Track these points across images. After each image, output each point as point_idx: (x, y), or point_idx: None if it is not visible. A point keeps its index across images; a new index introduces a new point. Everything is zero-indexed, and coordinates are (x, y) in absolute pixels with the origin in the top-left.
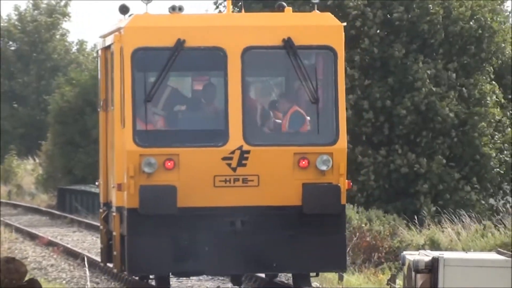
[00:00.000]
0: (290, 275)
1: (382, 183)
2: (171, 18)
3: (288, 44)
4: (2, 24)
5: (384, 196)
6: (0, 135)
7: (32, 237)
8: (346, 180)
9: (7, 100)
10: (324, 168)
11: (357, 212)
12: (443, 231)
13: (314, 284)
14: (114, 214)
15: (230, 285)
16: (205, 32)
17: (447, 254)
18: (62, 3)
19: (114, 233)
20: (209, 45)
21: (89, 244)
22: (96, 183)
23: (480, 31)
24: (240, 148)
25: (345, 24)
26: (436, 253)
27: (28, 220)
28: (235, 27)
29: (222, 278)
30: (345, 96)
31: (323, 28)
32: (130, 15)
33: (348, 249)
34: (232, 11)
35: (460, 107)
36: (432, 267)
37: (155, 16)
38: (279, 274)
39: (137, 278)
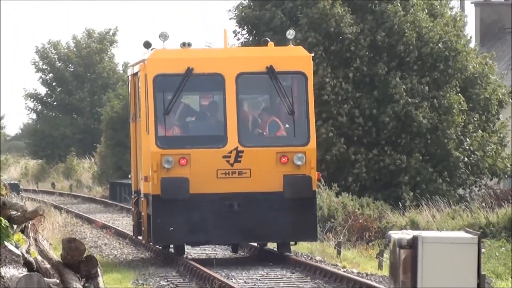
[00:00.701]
0: (275, 244)
1: (372, 175)
2: (182, 52)
3: (270, 70)
4: (62, 51)
5: (374, 186)
6: (63, 140)
7: (90, 221)
8: (316, 172)
9: (68, 112)
10: (299, 163)
11: (352, 200)
12: (421, 214)
13: (317, 257)
14: (142, 199)
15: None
16: (208, 62)
17: (425, 233)
18: (111, 32)
19: (142, 214)
20: (211, 71)
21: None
22: (129, 176)
23: (447, 52)
24: (236, 148)
25: (313, 54)
26: (416, 232)
27: (86, 208)
28: (231, 58)
29: (225, 247)
30: (341, 105)
31: (296, 58)
32: (151, 49)
33: (345, 229)
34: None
35: (432, 115)
36: (413, 244)
37: (170, 50)
38: (267, 243)
39: (160, 247)
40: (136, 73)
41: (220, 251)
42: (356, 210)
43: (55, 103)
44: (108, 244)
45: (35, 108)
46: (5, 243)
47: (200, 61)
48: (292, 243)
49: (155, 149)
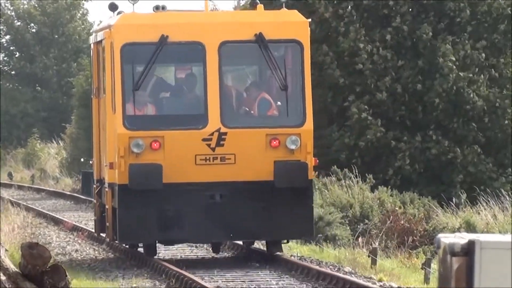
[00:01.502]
0: (264, 242)
1: (417, 167)
2: (155, 16)
3: (259, 38)
4: (21, 7)
5: (420, 181)
6: (23, 119)
7: (56, 222)
8: (313, 158)
9: (29, 83)
10: (293, 147)
11: (391, 195)
12: (479, 214)
13: (346, 268)
14: (106, 189)
15: (211, 253)
16: (186, 28)
17: (483, 237)
18: None
19: (106, 207)
20: (190, 40)
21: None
22: (90, 162)
23: (510, 9)
24: (218, 130)
25: (309, 20)
26: (472, 236)
27: (52, 205)
28: (213, 24)
29: (204, 246)
30: (379, 77)
31: (291, 24)
32: (118, 13)
33: (382, 232)
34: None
35: (490, 92)
36: (468, 250)
37: (141, 14)
38: (255, 241)
39: (126, 246)
40: (101, 41)
41: (200, 251)
42: (397, 208)
43: (13, 72)
44: (80, 250)
45: None
46: None
47: (176, 28)
48: (284, 241)
49: (123, 130)
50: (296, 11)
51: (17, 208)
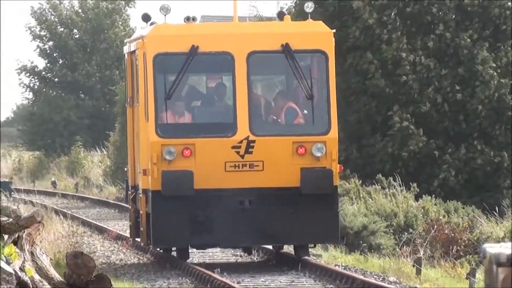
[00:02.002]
0: (292, 246)
1: (461, 178)
2: (186, 27)
3: (286, 48)
4: (64, 12)
5: (464, 191)
6: (66, 126)
7: (101, 230)
8: (338, 165)
9: (72, 91)
10: (318, 154)
11: (435, 204)
12: None
13: (391, 278)
14: (140, 195)
15: (242, 254)
16: (216, 39)
17: None
18: None
19: (141, 212)
20: (219, 50)
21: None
22: (125, 169)
23: None
24: (247, 138)
25: (334, 31)
26: None
27: (96, 213)
28: (241, 34)
29: (235, 250)
30: (423, 89)
31: (316, 35)
32: (151, 24)
33: (426, 242)
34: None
35: None
36: None
37: (172, 25)
38: (284, 246)
39: (161, 250)
40: (134, 51)
41: (231, 255)
42: (441, 217)
43: (56, 80)
44: (124, 259)
45: (31, 85)
46: None
47: (206, 38)
48: (311, 245)
49: (155, 138)
50: (321, 22)
51: (61, 217)
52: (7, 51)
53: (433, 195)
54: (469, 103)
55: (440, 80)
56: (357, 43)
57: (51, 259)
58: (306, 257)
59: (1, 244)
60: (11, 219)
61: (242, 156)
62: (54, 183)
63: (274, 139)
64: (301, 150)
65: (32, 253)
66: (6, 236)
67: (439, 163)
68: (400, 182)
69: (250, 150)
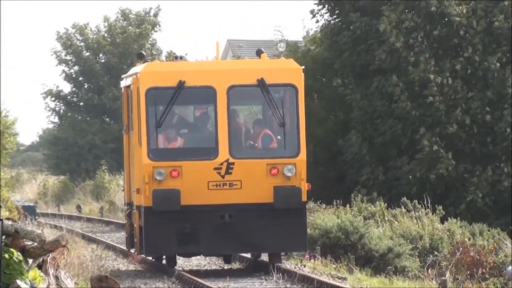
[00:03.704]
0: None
1: (488, 200)
2: (174, 65)
3: (261, 83)
4: (91, 37)
5: (490, 213)
6: (91, 150)
7: (125, 254)
8: (306, 183)
9: (98, 115)
10: (289, 174)
11: (460, 227)
12: None
13: None
14: (135, 211)
15: (223, 263)
16: (200, 74)
17: None
18: (152, 12)
19: (135, 225)
20: (203, 84)
21: (184, 262)
22: (122, 189)
23: None
24: (227, 160)
25: (303, 67)
26: None
27: (121, 237)
28: (222, 71)
29: (217, 258)
30: (449, 110)
31: (287, 71)
32: (144, 62)
33: (451, 264)
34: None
35: None
36: None
37: (162, 63)
38: (261, 255)
39: (153, 259)
40: (129, 86)
41: (213, 263)
42: (466, 239)
43: (81, 104)
44: (149, 283)
45: (56, 109)
46: (18, 281)
47: (192, 74)
48: (283, 253)
49: (147, 161)
50: (291, 59)
51: (86, 241)
52: (33, 75)
53: (459, 218)
54: (497, 125)
55: (467, 102)
56: (382, 66)
57: (75, 283)
58: (279, 264)
59: (26, 268)
60: (35, 243)
61: (223, 176)
62: (79, 207)
63: (251, 161)
64: (274, 170)
65: (56, 277)
66: (30, 260)
67: (466, 186)
68: (427, 205)
69: (230, 171)
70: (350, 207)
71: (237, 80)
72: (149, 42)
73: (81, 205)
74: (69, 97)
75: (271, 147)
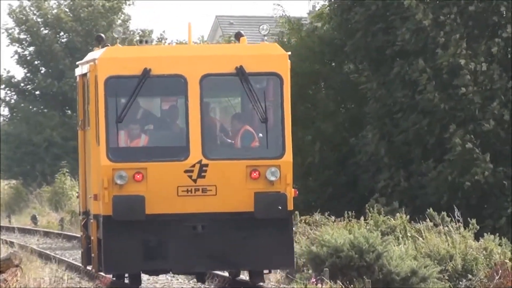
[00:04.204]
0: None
1: None
2: (138, 50)
3: (240, 71)
4: (50, 11)
5: None
6: (49, 149)
7: (91, 276)
8: (293, 189)
9: (57, 106)
10: (273, 178)
11: (500, 245)
12: None
13: None
14: (92, 221)
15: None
16: (169, 61)
17: None
18: None
19: (92, 238)
20: (172, 73)
21: (150, 280)
22: (76, 195)
23: None
24: (199, 162)
25: (289, 53)
26: None
27: None
28: (194, 57)
29: (190, 277)
30: (485, 104)
31: (270, 57)
32: (104, 46)
33: None
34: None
35: None
36: None
37: (124, 48)
38: (241, 272)
39: (113, 277)
40: (86, 74)
41: (185, 283)
42: (507, 260)
43: (37, 92)
44: None
45: (6, 99)
46: None
47: (159, 61)
48: (266, 271)
49: (106, 162)
50: (276, 44)
51: (43, 260)
52: None
53: (498, 233)
54: None
55: (506, 93)
56: (405, 48)
57: None
58: (262, 284)
59: None
60: None
61: (195, 181)
62: (34, 219)
63: (227, 163)
64: (254, 174)
65: None
66: None
67: (506, 194)
68: (458, 218)
69: (203, 174)
70: (364, 220)
71: (211, 68)
72: (120, 18)
73: (37, 216)
74: (22, 84)
75: (252, 146)
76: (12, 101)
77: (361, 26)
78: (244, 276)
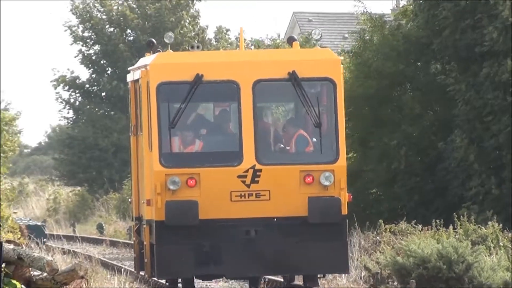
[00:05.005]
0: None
1: None
2: (190, 55)
3: (293, 76)
4: (114, 8)
5: None
6: (116, 154)
7: None
8: (347, 193)
9: (125, 108)
10: (327, 183)
11: None
12: None
13: None
14: (144, 226)
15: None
16: (221, 67)
17: None
18: None
19: (145, 243)
20: (224, 78)
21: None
22: (129, 200)
23: None
24: (253, 167)
25: (342, 58)
26: None
27: None
28: (247, 62)
29: (242, 281)
30: None
31: (323, 62)
32: (156, 51)
33: None
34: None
35: None
36: None
37: (176, 53)
38: (296, 277)
39: (166, 282)
40: (137, 80)
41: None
42: None
43: (103, 94)
44: None
45: (71, 101)
46: None
47: (211, 66)
48: (319, 275)
49: (159, 168)
50: (328, 49)
51: (110, 271)
52: (40, 58)
53: None
54: None
55: None
56: (494, 48)
57: None
58: None
59: None
60: (45, 274)
61: (248, 186)
62: (100, 228)
63: (281, 168)
64: (308, 179)
65: None
66: None
67: None
68: None
69: (256, 179)
70: (453, 228)
71: (264, 74)
72: (189, 14)
73: (103, 225)
74: (87, 85)
75: (306, 151)
76: (77, 103)
77: (449, 23)
78: (299, 281)
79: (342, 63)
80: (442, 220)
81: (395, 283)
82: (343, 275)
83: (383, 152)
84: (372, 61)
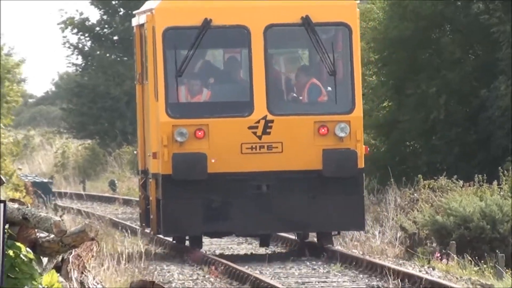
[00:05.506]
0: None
1: None
2: None
3: (306, 21)
4: None
5: None
6: (130, 104)
7: (179, 251)
8: (364, 146)
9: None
10: (342, 135)
11: None
12: None
13: None
14: (150, 180)
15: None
16: (230, 11)
17: None
18: None
19: (150, 198)
20: (234, 23)
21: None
22: (135, 152)
23: None
24: (264, 118)
25: (358, 1)
26: None
27: None
28: (258, 7)
29: (251, 240)
30: None
31: (338, 6)
32: None
33: None
34: None
35: None
36: None
37: None
38: (309, 235)
39: (173, 240)
40: (143, 25)
41: (246, 245)
42: None
43: (115, 37)
44: None
45: (80, 46)
46: None
47: (220, 11)
48: (334, 232)
49: (166, 118)
50: None
51: (123, 232)
52: None
53: None
54: None
55: None
56: None
57: None
58: (330, 246)
59: (38, 271)
60: (52, 235)
61: (260, 137)
62: (113, 185)
63: (294, 118)
64: (323, 130)
65: (81, 283)
66: (45, 259)
67: None
68: None
69: (268, 130)
70: (498, 184)
71: (276, 18)
72: None
73: (116, 182)
74: (97, 28)
75: (320, 101)
76: (86, 48)
77: None
78: (313, 238)
79: (359, 6)
80: (485, 175)
81: (434, 244)
82: (377, 236)
83: (421, 100)
84: (408, 1)
